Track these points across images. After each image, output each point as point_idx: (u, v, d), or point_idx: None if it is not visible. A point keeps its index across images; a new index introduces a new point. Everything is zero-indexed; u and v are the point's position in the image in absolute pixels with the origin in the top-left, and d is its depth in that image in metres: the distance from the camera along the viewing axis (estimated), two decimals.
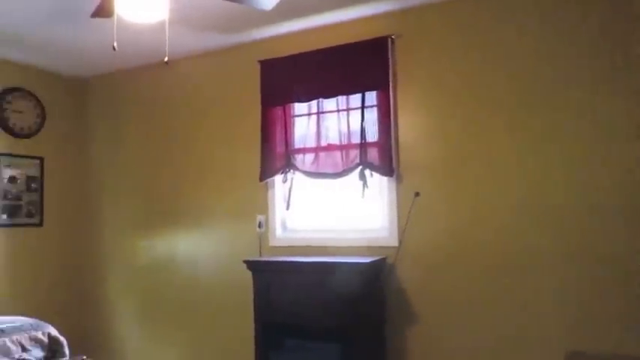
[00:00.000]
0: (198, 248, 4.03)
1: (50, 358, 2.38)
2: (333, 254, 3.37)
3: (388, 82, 3.26)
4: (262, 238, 3.72)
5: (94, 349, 4.20)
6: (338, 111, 3.42)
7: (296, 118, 3.61)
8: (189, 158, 4.11)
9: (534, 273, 2.89)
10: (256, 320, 3.23)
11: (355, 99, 3.36)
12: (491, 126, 3.05)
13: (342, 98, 3.40)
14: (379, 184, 3.34)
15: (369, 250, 3.29)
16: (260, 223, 3.74)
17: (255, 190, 3.75)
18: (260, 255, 3.68)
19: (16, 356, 2.24)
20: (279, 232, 3.70)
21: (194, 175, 4.07)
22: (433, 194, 3.17)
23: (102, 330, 4.46)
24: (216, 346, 3.87)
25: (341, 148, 3.39)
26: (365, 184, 3.30)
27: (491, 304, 2.98)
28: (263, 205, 3.74)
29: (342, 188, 3.48)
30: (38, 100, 4.35)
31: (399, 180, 3.26)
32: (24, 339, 2.29)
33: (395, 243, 3.23)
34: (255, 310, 3.24)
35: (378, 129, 3.28)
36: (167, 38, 3.09)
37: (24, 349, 2.28)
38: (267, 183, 3.70)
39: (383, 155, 3.24)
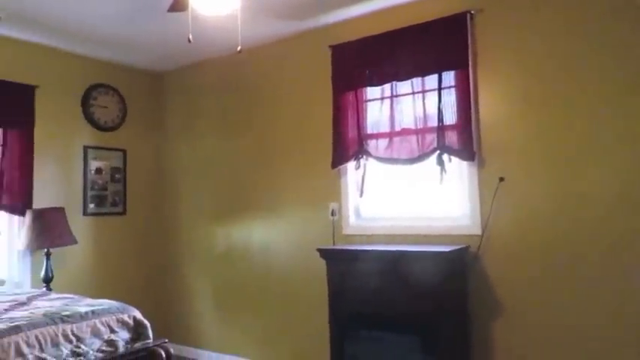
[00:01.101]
0: (272, 236, 4.04)
1: (135, 340, 2.45)
2: (410, 243, 3.25)
3: (467, 61, 3.07)
4: (335, 226, 3.66)
5: (174, 333, 4.36)
6: (413, 93, 3.27)
7: (368, 103, 3.50)
8: (262, 147, 4.12)
9: (630, 264, 2.62)
10: (331, 309, 3.18)
11: (431, 80, 3.19)
12: (588, 108, 2.77)
13: (417, 80, 3.24)
14: (459, 169, 3.16)
15: (449, 238, 3.13)
16: (333, 211, 3.68)
17: (328, 178, 3.69)
18: (333, 243, 3.63)
19: (105, 337, 2.33)
20: (352, 219, 3.63)
21: (268, 163, 4.08)
22: (519, 179, 2.95)
23: (181, 314, 4.61)
24: (291, 334, 3.88)
25: (416, 132, 3.25)
26: (443, 169, 3.14)
27: (583, 296, 2.74)
28: (336, 193, 3.68)
29: (418, 174, 3.34)
30: (120, 95, 4.55)
31: (480, 164, 3.07)
32: (112, 321, 2.37)
33: (477, 231, 3.05)
34: (329, 299, 3.19)
35: (457, 111, 3.10)
36: (239, 28, 3.10)
37: (112, 331, 2.36)
38: (339, 170, 3.63)
39: (462, 138, 3.06)
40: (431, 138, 3.17)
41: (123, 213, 4.53)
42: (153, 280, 4.71)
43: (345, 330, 3.13)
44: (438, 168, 3.15)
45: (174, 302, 4.67)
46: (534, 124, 2.93)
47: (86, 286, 3.99)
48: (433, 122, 3.17)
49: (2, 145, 3.75)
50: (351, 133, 3.49)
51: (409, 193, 3.43)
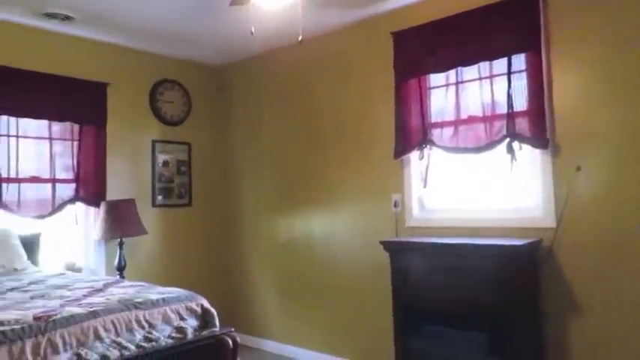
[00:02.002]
0: (334, 228, 4.02)
1: (203, 328, 2.50)
2: (477, 235, 3.12)
3: (539, 42, 2.89)
4: (398, 218, 3.59)
5: (237, 322, 4.45)
6: (480, 79, 3.13)
7: (432, 90, 3.39)
8: (324, 137, 4.10)
9: None
10: (394, 303, 3.13)
11: (500, 64, 3.04)
12: None
13: (484, 65, 3.10)
14: (531, 157, 2.99)
15: (518, 231, 2.97)
16: (396, 202, 3.61)
17: (390, 169, 3.62)
18: (396, 235, 3.56)
19: (175, 324, 2.39)
20: (416, 211, 3.54)
21: (329, 154, 4.06)
22: (598, 169, 2.75)
23: (244, 303, 4.70)
24: (355, 327, 3.85)
25: (484, 119, 3.11)
26: (513, 157, 2.99)
27: None
28: (398, 184, 3.60)
29: (486, 164, 3.20)
30: (185, 90, 4.68)
31: (555, 152, 2.89)
32: (181, 309, 2.44)
33: (551, 224, 2.88)
34: (393, 292, 3.14)
35: (528, 96, 2.94)
36: (301, 17, 3.09)
37: (181, 318, 2.43)
38: (402, 160, 3.54)
39: (535, 125, 2.89)
40: (499, 125, 3.02)
41: (189, 204, 4.67)
42: (217, 269, 4.83)
43: (409, 325, 3.07)
44: (508, 157, 3.00)
45: (237, 292, 4.77)
46: (617, 109, 2.70)
47: (155, 275, 4.14)
48: (502, 109, 3.02)
49: (78, 141, 3.95)
50: (415, 122, 3.40)
51: (476, 184, 3.29)
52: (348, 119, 3.93)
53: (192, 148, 4.71)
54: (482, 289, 2.71)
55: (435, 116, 3.35)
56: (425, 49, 3.32)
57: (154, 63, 4.47)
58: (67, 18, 3.59)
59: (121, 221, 3.81)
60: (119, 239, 3.87)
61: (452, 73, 3.24)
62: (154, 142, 4.43)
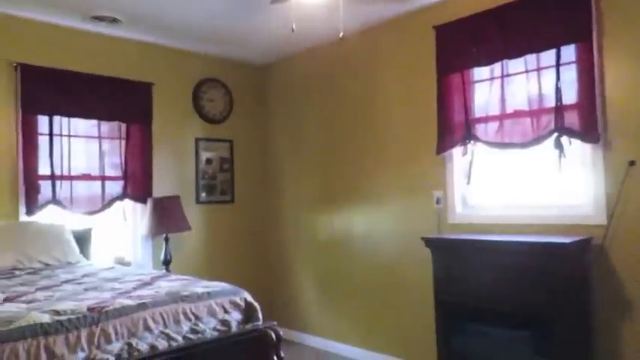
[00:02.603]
0: (375, 225, 4.01)
1: (246, 322, 2.54)
2: (521, 233, 3.04)
3: (591, 32, 2.78)
4: (440, 215, 3.54)
5: (279, 317, 4.49)
6: (526, 72, 3.04)
7: (476, 85, 3.32)
8: (364, 134, 4.09)
9: None
10: (436, 301, 3.10)
11: (548, 56, 2.94)
12: None
13: (530, 57, 3.01)
14: (580, 152, 2.89)
15: (566, 228, 2.88)
16: (438, 199, 3.56)
17: (432, 165, 3.57)
18: (438, 232, 3.51)
19: (220, 317, 2.44)
20: (459, 208, 3.48)
21: (370, 150, 4.04)
22: None
23: (286, 298, 4.75)
24: (396, 324, 3.83)
25: (530, 113, 3.02)
26: (562, 153, 2.89)
27: None
28: (441, 180, 3.55)
29: (533, 159, 3.11)
30: (227, 88, 4.76)
31: (606, 147, 2.77)
32: (225, 302, 2.49)
33: (602, 221, 2.77)
34: (435, 290, 3.10)
35: (578, 89, 2.83)
36: (341, 14, 3.08)
37: (225, 312, 2.47)
38: (444, 156, 3.49)
39: (585, 119, 2.78)
40: (547, 119, 2.93)
41: (231, 201, 4.75)
42: (259, 265, 4.89)
43: (452, 322, 3.03)
44: (555, 152, 2.91)
45: (279, 287, 4.82)
46: None
47: (199, 269, 4.24)
48: (550, 102, 2.93)
49: (126, 139, 4.08)
50: (458, 117, 3.34)
51: (521, 180, 3.21)
52: (389, 115, 3.90)
53: (234, 145, 4.79)
54: (527, 287, 2.64)
55: (478, 111, 3.29)
56: (468, 43, 3.25)
57: (196, 62, 4.57)
58: (114, 20, 3.71)
59: (166, 217, 3.92)
60: (165, 235, 3.98)
61: (497, 66, 3.17)
62: (197, 140, 4.53)
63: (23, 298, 2.27)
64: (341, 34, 2.91)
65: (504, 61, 3.12)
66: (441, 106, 3.42)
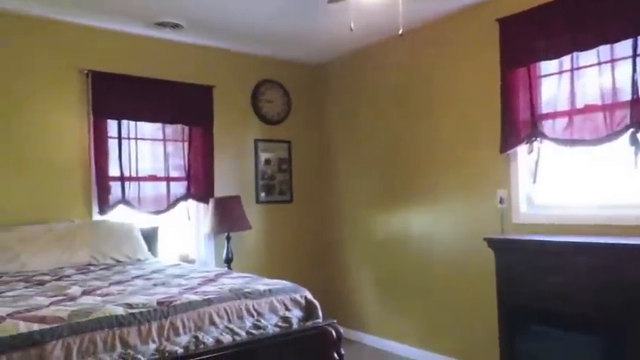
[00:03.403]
0: (434, 224, 3.93)
1: (306, 319, 2.57)
2: (592, 234, 2.88)
3: None
4: (504, 215, 3.42)
5: (337, 314, 4.50)
6: (599, 64, 2.88)
7: (543, 79, 3.19)
8: (423, 132, 4.03)
9: None
10: (499, 302, 3.00)
11: (623, 47, 2.77)
12: None
13: (604, 48, 2.84)
14: None
15: None
16: (501, 198, 3.44)
17: (495, 163, 3.46)
18: (502, 233, 3.40)
19: (281, 314, 2.48)
20: (523, 208, 3.35)
21: (428, 149, 3.98)
22: None
23: (344, 297, 4.75)
24: (457, 325, 3.74)
25: (603, 108, 2.86)
26: (638, 149, 2.72)
27: None
28: (504, 179, 3.44)
29: (604, 156, 2.95)
30: (285, 89, 4.82)
31: None
32: (286, 300, 2.52)
33: None
34: (498, 291, 3.01)
35: None
36: (400, 10, 3.05)
37: (286, 309, 2.51)
38: (508, 155, 3.38)
39: None
40: (622, 114, 2.77)
41: (290, 201, 4.81)
42: (317, 264, 4.93)
43: (516, 325, 2.93)
44: (631, 149, 2.74)
45: (337, 285, 4.83)
46: None
47: (259, 267, 4.31)
48: (625, 96, 2.76)
49: (188, 142, 4.22)
50: (523, 113, 3.22)
51: (592, 179, 3.05)
52: (450, 112, 3.82)
53: (292, 146, 4.85)
54: (600, 291, 2.51)
55: (546, 106, 3.15)
56: (535, 35, 3.12)
57: (255, 64, 4.66)
58: (176, 26, 3.84)
59: (228, 217, 4.02)
60: (227, 233, 4.08)
61: (566, 59, 3.02)
62: (256, 141, 4.62)
63: (99, 292, 2.40)
64: (400, 31, 2.86)
65: (574, 53, 2.97)
66: (506, 102, 3.30)
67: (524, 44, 3.19)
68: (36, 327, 1.82)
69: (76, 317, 1.93)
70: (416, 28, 3.97)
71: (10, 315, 1.91)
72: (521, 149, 3.30)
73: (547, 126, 3.12)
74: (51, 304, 2.13)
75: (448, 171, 3.82)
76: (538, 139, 3.17)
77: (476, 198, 3.62)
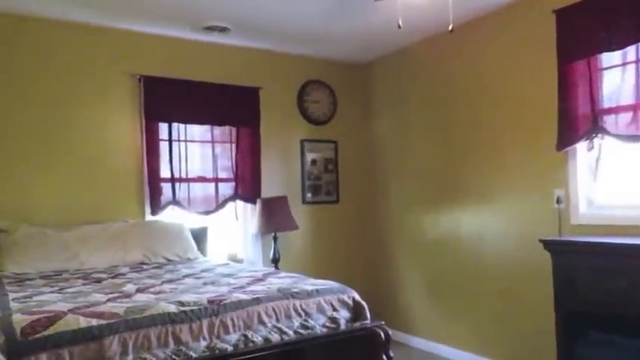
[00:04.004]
0: (485, 225, 3.81)
1: (354, 320, 2.54)
2: None
3: None
4: (562, 216, 3.27)
5: (384, 316, 4.43)
6: None
7: (604, 72, 3.01)
8: (473, 129, 3.92)
9: None
10: (557, 306, 2.87)
11: None
12: None
13: None
14: None
15: None
16: (558, 198, 3.29)
17: (552, 161, 3.31)
18: (559, 234, 3.24)
19: (328, 314, 2.46)
20: (583, 208, 3.19)
21: (480, 147, 3.86)
22: None
23: (391, 298, 4.68)
24: (510, 330, 3.60)
25: None
26: None
27: None
28: (561, 178, 3.28)
29: None
30: (330, 89, 4.81)
31: None
32: (334, 300, 2.50)
33: None
34: (555, 295, 2.88)
35: None
36: (450, 5, 2.97)
37: (334, 309, 2.48)
38: (566, 152, 3.22)
39: None
40: None
41: (336, 201, 4.79)
42: (364, 264, 4.88)
43: (574, 330, 2.80)
44: None
45: (384, 287, 4.77)
46: None
47: (305, 267, 4.30)
48: None
49: (236, 143, 4.27)
50: (582, 108, 3.06)
51: None
52: (503, 108, 3.68)
53: (338, 146, 4.82)
54: None
55: (607, 101, 2.97)
56: (595, 26, 2.95)
57: (300, 65, 4.67)
58: (223, 30, 3.90)
59: (275, 217, 4.04)
60: (273, 234, 4.10)
61: (630, 49, 2.84)
62: (302, 141, 4.63)
63: (152, 290, 2.45)
64: (451, 27, 2.78)
65: None
66: (563, 97, 3.15)
67: (584, 36, 3.02)
68: (94, 322, 1.88)
69: (131, 314, 1.98)
70: (466, 22, 3.86)
71: (71, 310, 1.98)
72: (580, 146, 3.15)
73: (609, 121, 2.95)
74: (108, 300, 2.20)
75: (500, 169, 3.69)
76: (599, 135, 3.00)
77: (531, 198, 3.48)
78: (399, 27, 2.89)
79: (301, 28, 3.98)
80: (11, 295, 2.33)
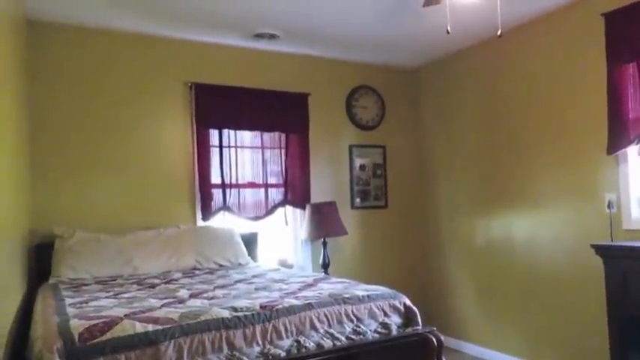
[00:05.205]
0: (536, 230, 3.73)
1: (406, 326, 2.52)
2: None
3: None
4: (613, 220, 3.15)
5: (435, 321, 4.38)
6: None
7: None
8: (525, 133, 3.83)
9: None
10: (610, 313, 2.79)
11: None
12: None
13: None
14: None
15: None
16: (610, 203, 3.17)
17: (602, 165, 3.23)
18: (611, 239, 3.12)
19: (380, 320, 2.45)
20: (635, 212, 3.09)
21: (529, 151, 3.78)
22: None
23: (442, 304, 4.63)
24: (563, 336, 3.52)
25: None
26: None
27: None
28: (612, 182, 3.19)
29: None
30: (378, 95, 4.80)
31: None
32: (385, 306, 2.49)
33: None
34: (608, 301, 2.80)
35: None
36: (499, 10, 2.92)
37: (385, 315, 2.48)
38: (617, 156, 3.13)
39: None
40: None
41: (385, 206, 4.76)
42: (414, 270, 4.83)
43: (629, 338, 2.70)
44: None
45: (435, 292, 4.71)
46: None
47: (355, 272, 4.31)
48: None
49: (285, 149, 4.33)
50: (633, 112, 2.98)
51: None
52: (553, 112, 3.59)
53: (387, 151, 4.80)
54: None
55: None
56: None
57: (349, 71, 4.68)
58: (272, 37, 3.97)
59: (324, 222, 4.07)
60: (323, 239, 4.13)
61: None
62: (350, 146, 4.64)
63: (205, 295, 2.50)
64: (499, 32, 2.73)
65: None
66: (613, 100, 3.06)
67: (633, 38, 2.94)
68: (150, 327, 1.91)
69: (186, 319, 2.00)
70: (514, 27, 3.80)
71: (127, 316, 2.01)
72: (631, 150, 3.06)
73: None
74: (162, 305, 2.24)
75: (550, 174, 3.60)
76: None
77: (581, 202, 3.38)
78: (448, 32, 2.86)
79: (349, 35, 4.00)
80: (68, 301, 2.38)
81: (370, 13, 3.54)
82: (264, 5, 3.38)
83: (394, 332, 2.43)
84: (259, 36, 3.95)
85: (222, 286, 2.77)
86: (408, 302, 2.58)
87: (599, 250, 2.84)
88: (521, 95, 3.85)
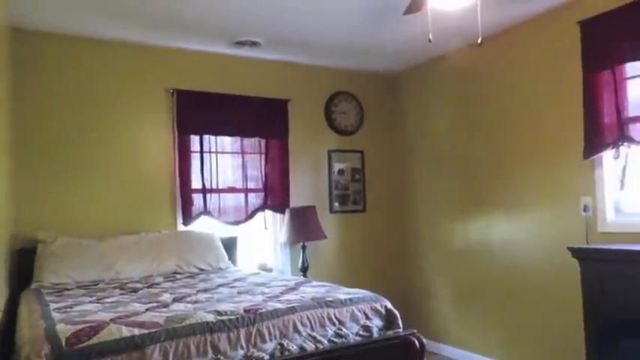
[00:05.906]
0: (513, 233, 3.83)
1: (387, 329, 2.58)
2: None
3: None
4: (589, 224, 3.27)
5: (414, 324, 4.46)
6: None
7: (629, 81, 3.03)
8: (499, 138, 3.95)
9: None
10: (586, 315, 2.88)
11: None
12: None
13: None
14: None
15: None
16: (585, 206, 3.29)
17: (579, 169, 3.33)
18: (587, 242, 3.25)
19: (361, 322, 2.51)
20: (610, 216, 3.20)
21: (508, 156, 3.89)
22: None
23: (420, 307, 4.71)
24: (540, 339, 3.61)
25: None
26: None
27: None
28: (588, 186, 3.29)
29: None
30: (357, 100, 4.88)
31: None
32: (367, 309, 2.55)
33: None
34: (584, 303, 2.89)
35: None
36: (479, 18, 3.01)
37: (367, 318, 2.54)
38: (593, 160, 3.24)
39: None
40: None
41: (363, 210, 4.84)
42: (392, 273, 4.91)
43: (605, 340, 2.79)
44: None
45: (413, 295, 4.80)
46: None
47: (334, 276, 4.36)
48: None
49: (265, 154, 4.37)
50: (608, 117, 3.08)
51: None
52: (529, 118, 3.71)
53: (365, 155, 4.89)
54: None
55: (633, 109, 2.99)
56: (621, 36, 2.98)
57: (328, 77, 4.75)
58: (253, 44, 4.01)
59: (303, 227, 4.12)
60: (302, 243, 4.18)
61: None
62: (329, 151, 4.71)
63: (188, 299, 2.52)
64: (480, 40, 2.83)
65: None
66: (589, 106, 3.18)
67: (609, 46, 3.05)
68: (136, 331, 1.93)
69: (171, 323, 2.03)
70: (492, 34, 3.91)
71: (112, 320, 2.03)
72: (607, 155, 3.16)
73: (635, 130, 2.97)
74: (147, 310, 2.26)
75: (528, 179, 3.71)
76: (625, 143, 3.01)
77: (558, 206, 3.49)
78: (430, 41, 2.95)
79: (330, 42, 4.06)
80: (52, 306, 2.39)
81: (350, 20, 3.60)
82: (245, 13, 3.43)
83: (375, 335, 2.48)
84: (241, 43, 3.99)
85: (205, 290, 2.79)
86: (389, 305, 2.64)
87: (575, 252, 2.94)
88: (500, 101, 3.96)
